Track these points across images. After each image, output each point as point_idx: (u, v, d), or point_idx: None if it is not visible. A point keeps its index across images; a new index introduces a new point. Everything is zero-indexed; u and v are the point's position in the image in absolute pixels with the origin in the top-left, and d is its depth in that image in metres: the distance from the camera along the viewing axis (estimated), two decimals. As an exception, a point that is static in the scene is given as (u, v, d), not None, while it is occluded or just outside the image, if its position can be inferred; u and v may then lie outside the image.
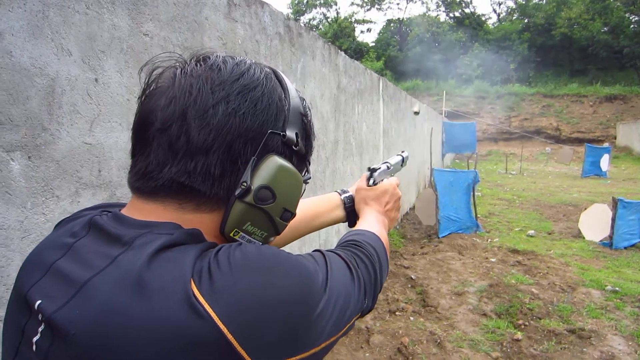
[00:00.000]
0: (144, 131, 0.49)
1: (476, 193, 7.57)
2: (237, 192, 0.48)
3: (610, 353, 3.06)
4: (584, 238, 5.82)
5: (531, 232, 6.08)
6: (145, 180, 0.49)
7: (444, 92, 19.05)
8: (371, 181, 0.86)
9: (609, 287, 4.16)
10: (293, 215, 0.54)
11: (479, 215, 6.51)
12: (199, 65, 0.50)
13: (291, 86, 0.55)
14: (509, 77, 26.39)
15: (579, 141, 20.27)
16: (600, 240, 5.63)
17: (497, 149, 19.84)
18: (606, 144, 16.39)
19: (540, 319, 3.51)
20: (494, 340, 3.16)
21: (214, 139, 0.47)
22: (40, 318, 0.44)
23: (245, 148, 0.48)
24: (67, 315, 0.42)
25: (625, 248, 5.42)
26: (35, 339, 0.44)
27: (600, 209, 5.98)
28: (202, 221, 0.49)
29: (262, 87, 0.50)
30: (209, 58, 0.51)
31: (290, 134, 0.52)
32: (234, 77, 0.49)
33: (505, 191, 9.03)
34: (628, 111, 22.52)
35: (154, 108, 0.48)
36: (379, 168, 0.89)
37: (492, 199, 8.10)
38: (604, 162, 12.69)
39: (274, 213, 0.51)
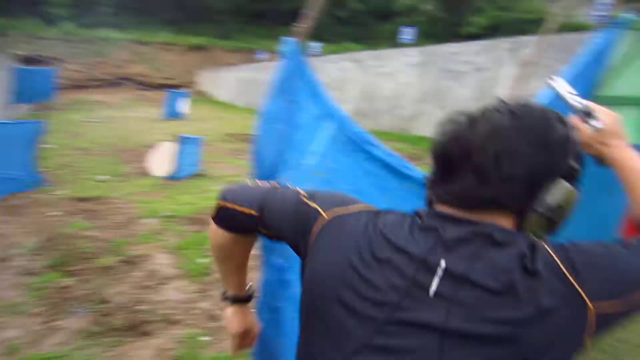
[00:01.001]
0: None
1: (48, 145, 6.90)
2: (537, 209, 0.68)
3: (153, 270, 3.52)
4: (152, 175, 6.39)
5: (102, 177, 6.14)
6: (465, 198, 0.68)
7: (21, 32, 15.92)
8: None
9: (165, 214, 4.76)
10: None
11: (48, 169, 5.98)
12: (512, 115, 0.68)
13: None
14: (101, 22, 24.85)
15: (167, 87, 21.98)
16: (166, 175, 6.34)
17: (85, 97, 18.84)
18: (186, 89, 18.50)
19: (96, 259, 3.61)
20: (40, 297, 3.01)
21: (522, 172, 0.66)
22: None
23: (544, 180, 0.67)
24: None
25: (185, 178, 6.34)
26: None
27: (167, 146, 6.67)
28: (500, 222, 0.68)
29: (557, 137, 0.68)
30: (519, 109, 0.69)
31: (574, 164, 0.70)
32: (539, 131, 0.67)
33: (84, 140, 8.72)
34: (209, 60, 26.04)
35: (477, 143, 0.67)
36: None
37: (68, 149, 7.65)
38: (183, 105, 14.33)
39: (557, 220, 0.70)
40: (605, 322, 0.62)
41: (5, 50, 13.48)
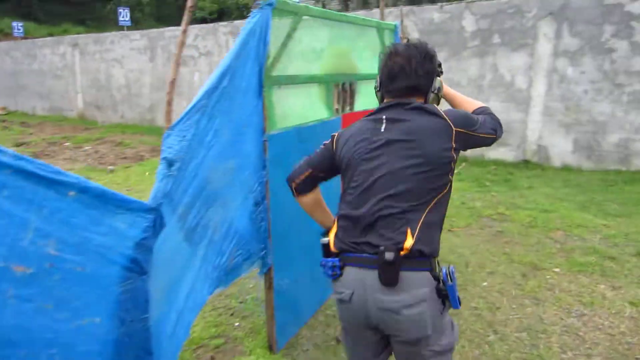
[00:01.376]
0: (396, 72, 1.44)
1: None
2: (434, 89, 1.51)
3: None
4: None
5: None
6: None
7: None
8: None
9: None
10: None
11: None
12: (413, 45, 1.48)
13: None
14: None
15: None
16: None
17: None
18: None
19: None
20: None
21: (426, 71, 1.45)
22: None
23: (434, 75, 1.48)
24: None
25: None
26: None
27: None
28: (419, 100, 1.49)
29: (433, 53, 1.48)
30: (416, 42, 1.50)
31: (439, 68, 1.53)
32: (428, 50, 1.47)
33: None
34: None
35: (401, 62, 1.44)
36: None
37: None
38: None
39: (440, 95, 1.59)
40: (460, 138, 1.38)
41: None
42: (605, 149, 5.85)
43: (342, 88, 2.88)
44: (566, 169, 6.05)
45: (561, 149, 6.12)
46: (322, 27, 2.62)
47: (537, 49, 6.04)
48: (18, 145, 8.55)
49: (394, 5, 13.16)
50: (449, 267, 1.34)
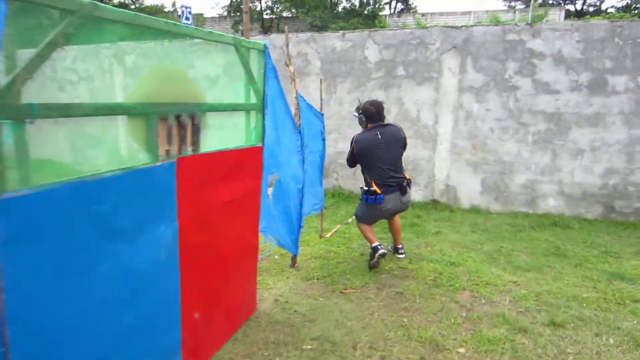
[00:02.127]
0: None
1: None
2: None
3: None
4: None
5: None
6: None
7: None
8: None
9: None
10: None
11: None
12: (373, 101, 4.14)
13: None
14: None
15: None
16: None
17: None
18: None
19: None
20: None
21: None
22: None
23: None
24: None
25: None
26: None
27: None
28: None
29: (380, 105, 4.10)
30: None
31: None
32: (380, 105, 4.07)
33: None
34: None
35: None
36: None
37: None
38: None
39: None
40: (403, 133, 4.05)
41: None
42: (513, 191, 5.63)
43: (176, 122, 2.11)
44: (475, 210, 5.74)
45: (469, 189, 5.81)
46: (129, 35, 1.85)
47: (443, 84, 5.78)
48: None
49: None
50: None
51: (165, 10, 27.64)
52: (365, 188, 3.81)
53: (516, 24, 5.55)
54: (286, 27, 3.73)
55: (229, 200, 2.57)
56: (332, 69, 6.27)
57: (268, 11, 28.22)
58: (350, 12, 20.88)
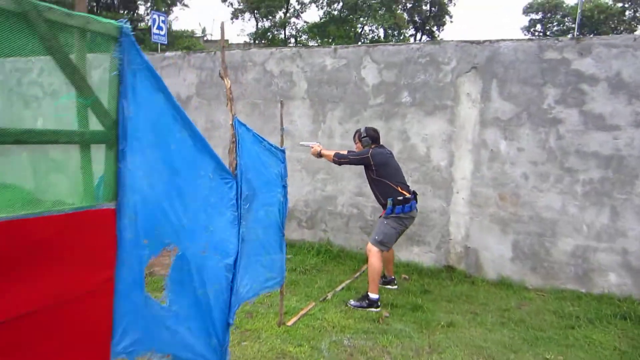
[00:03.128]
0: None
1: None
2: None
3: None
4: None
5: None
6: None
7: None
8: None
9: None
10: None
11: None
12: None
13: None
14: None
15: None
16: None
17: None
18: None
19: None
20: None
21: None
22: None
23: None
24: None
25: None
26: None
27: None
28: None
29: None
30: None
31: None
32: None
33: None
34: None
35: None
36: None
37: None
38: None
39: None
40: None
41: None
42: (557, 259, 4.20)
43: None
44: (504, 283, 4.30)
45: (496, 255, 4.41)
46: None
47: (459, 114, 4.49)
48: None
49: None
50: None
51: (196, 35, 27.75)
52: (393, 199, 3.69)
53: (557, 39, 4.27)
54: (222, 22, 2.54)
55: (26, 313, 1.32)
56: (320, 92, 5.07)
57: (292, 40, 27.87)
58: (374, 42, 20.19)
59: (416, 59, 4.59)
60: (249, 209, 2.74)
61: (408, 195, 3.73)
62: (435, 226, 4.64)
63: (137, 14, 28.77)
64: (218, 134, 5.71)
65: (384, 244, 3.73)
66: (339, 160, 3.88)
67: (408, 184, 3.94)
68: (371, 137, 3.87)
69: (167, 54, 6.02)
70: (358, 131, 3.97)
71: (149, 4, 29.11)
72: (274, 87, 5.32)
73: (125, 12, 27.71)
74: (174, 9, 31.07)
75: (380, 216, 3.84)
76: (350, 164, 3.97)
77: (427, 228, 4.67)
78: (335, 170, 4.97)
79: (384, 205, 3.77)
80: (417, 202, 3.89)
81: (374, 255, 3.68)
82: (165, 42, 7.40)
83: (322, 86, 5.05)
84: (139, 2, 28.57)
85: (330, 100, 5.03)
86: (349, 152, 4.01)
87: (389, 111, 4.75)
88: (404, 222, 3.76)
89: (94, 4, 26.64)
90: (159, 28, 7.22)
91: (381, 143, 3.99)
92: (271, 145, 3.05)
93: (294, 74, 5.18)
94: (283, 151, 3.15)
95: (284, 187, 3.18)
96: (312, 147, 4.11)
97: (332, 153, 3.96)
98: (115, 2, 27.77)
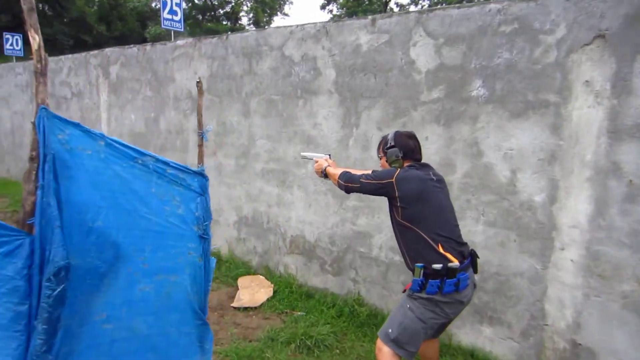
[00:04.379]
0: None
1: None
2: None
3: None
4: None
5: None
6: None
7: None
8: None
9: None
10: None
11: None
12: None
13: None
14: None
15: None
16: None
17: None
18: None
19: None
20: None
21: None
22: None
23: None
24: None
25: None
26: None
27: None
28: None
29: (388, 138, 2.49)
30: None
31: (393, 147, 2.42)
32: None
33: None
34: None
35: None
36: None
37: None
38: None
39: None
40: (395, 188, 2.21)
41: None
42: None
43: None
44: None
45: (625, 358, 2.57)
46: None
47: (571, 117, 2.69)
48: None
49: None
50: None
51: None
52: (424, 265, 2.12)
53: None
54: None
55: None
56: (353, 83, 3.56)
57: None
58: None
59: (496, 28, 2.87)
60: (108, 284, 1.46)
61: (454, 263, 2.10)
62: (521, 300, 2.89)
63: (240, 24, 29.43)
64: (230, 140, 4.47)
65: (402, 346, 2.14)
66: (345, 183, 2.40)
67: (461, 239, 2.28)
68: (402, 147, 2.34)
69: (179, 42, 4.93)
70: (384, 138, 2.46)
71: (251, 15, 29.57)
72: (294, 78, 3.91)
73: (229, 23, 28.40)
74: (275, 18, 31.25)
75: (404, 290, 2.27)
76: (361, 192, 2.39)
77: (506, 300, 2.95)
78: (371, 197, 3.44)
79: (413, 271, 2.20)
80: (476, 271, 2.30)
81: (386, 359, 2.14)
82: (181, 29, 6.36)
83: (355, 75, 3.53)
84: (241, 14, 29.20)
85: (366, 95, 3.49)
86: (373, 171, 2.39)
87: (451, 110, 3.09)
88: (442, 309, 2.14)
89: (200, 16, 27.58)
90: (172, 12, 6.16)
91: (423, 161, 2.44)
92: (172, 165, 1.68)
93: (319, 58, 3.73)
94: (201, 175, 1.77)
95: (203, 238, 1.80)
96: (317, 162, 2.68)
97: (339, 172, 2.48)
98: (217, 13, 28.68)
